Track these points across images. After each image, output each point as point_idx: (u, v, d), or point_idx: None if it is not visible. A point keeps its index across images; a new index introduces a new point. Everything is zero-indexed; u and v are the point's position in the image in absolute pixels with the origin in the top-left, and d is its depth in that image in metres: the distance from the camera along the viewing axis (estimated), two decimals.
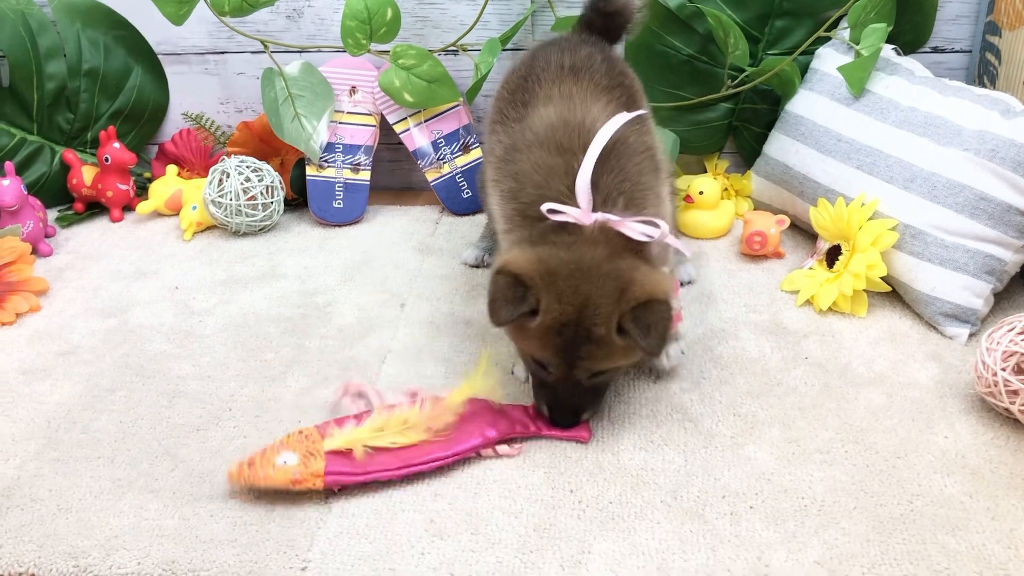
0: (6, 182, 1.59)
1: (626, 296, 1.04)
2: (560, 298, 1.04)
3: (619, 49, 1.43)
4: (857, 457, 1.10)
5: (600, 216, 1.07)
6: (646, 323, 1.03)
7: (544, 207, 1.08)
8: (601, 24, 1.41)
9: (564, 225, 1.08)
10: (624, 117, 1.14)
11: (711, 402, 1.21)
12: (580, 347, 1.06)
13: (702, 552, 0.97)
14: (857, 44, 1.54)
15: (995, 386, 1.12)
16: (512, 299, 1.04)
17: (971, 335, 1.33)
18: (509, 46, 1.71)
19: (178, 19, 1.56)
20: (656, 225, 1.08)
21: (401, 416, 1.10)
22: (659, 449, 1.12)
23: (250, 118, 1.87)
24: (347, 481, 1.05)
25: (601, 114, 1.16)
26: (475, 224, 1.74)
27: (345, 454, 1.07)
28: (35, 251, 1.63)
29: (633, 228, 1.07)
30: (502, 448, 1.12)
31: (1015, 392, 1.11)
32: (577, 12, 1.65)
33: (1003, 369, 1.11)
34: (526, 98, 1.24)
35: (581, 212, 1.08)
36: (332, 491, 1.07)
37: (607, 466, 1.10)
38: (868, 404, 1.19)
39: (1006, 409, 1.13)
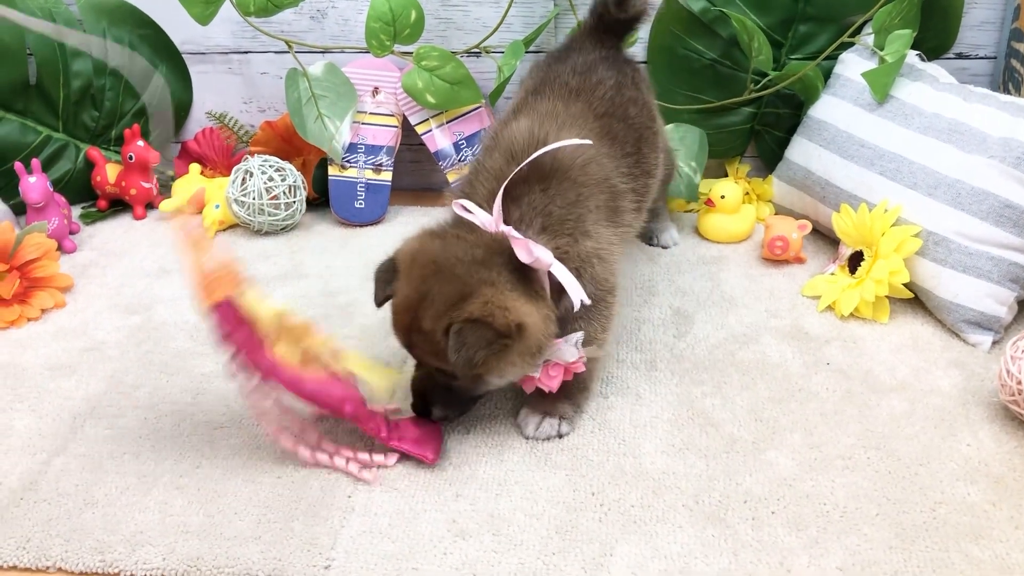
0: (32, 179, 1.61)
1: (462, 306, 1.03)
2: (409, 284, 1.07)
3: (642, 72, 1.44)
4: (879, 464, 1.10)
5: (506, 229, 1.07)
6: (462, 340, 1.00)
7: (455, 203, 1.11)
8: (613, 23, 1.41)
9: (473, 227, 1.09)
10: (570, 142, 1.12)
11: (732, 407, 1.21)
12: (412, 334, 1.07)
13: (724, 556, 0.97)
14: (881, 50, 1.53)
15: (1019, 394, 1.12)
16: (382, 281, 1.11)
17: (994, 343, 1.33)
18: (532, 48, 1.71)
19: (204, 19, 1.57)
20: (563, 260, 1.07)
21: (303, 332, 1.10)
22: (680, 453, 1.13)
23: (273, 118, 1.87)
24: (222, 328, 1.05)
25: (569, 137, 1.15)
26: None
27: (242, 316, 1.06)
28: (60, 247, 1.65)
29: (525, 249, 1.04)
30: (365, 473, 1.10)
31: None
32: None
33: None
34: (519, 106, 1.28)
35: (488, 219, 1.08)
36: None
37: (629, 470, 1.10)
38: (890, 411, 1.19)
39: None
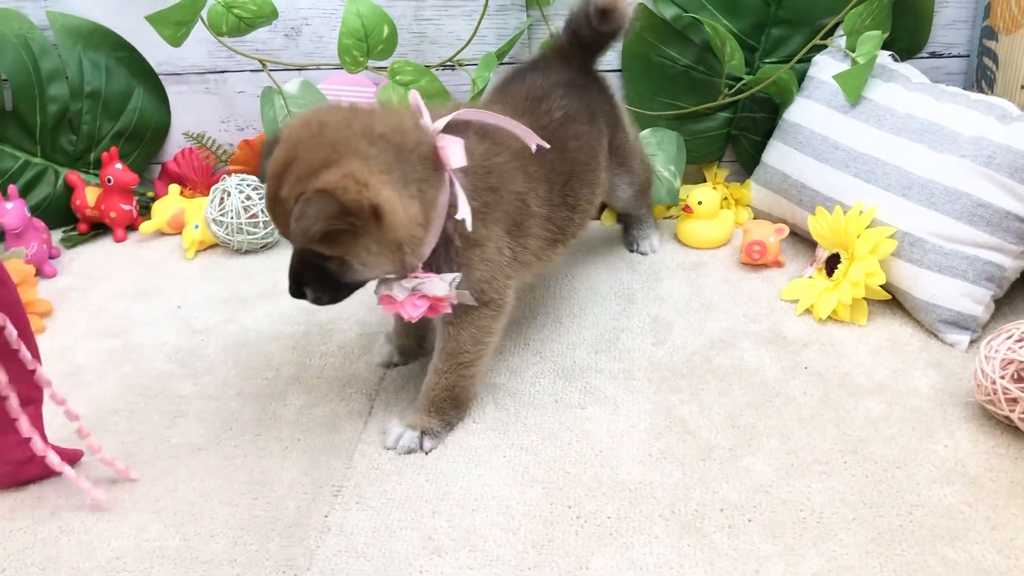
0: (9, 205, 1.61)
1: (320, 174, 0.98)
2: (283, 148, 1.03)
3: (611, 108, 1.44)
4: (856, 467, 1.10)
5: (438, 126, 1.08)
6: (304, 210, 0.96)
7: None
8: (588, 40, 1.41)
9: (402, 115, 1.08)
10: (527, 132, 1.14)
11: (710, 414, 1.21)
12: (275, 204, 1.03)
13: (700, 567, 0.97)
14: (853, 51, 1.54)
15: (994, 394, 1.12)
16: (266, 152, 1.07)
17: (972, 342, 1.33)
18: (505, 60, 1.71)
19: (176, 40, 1.57)
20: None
21: None
22: (657, 463, 1.12)
23: (251, 136, 1.88)
24: None
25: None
26: None
27: None
28: (39, 273, 1.64)
29: (452, 149, 1.05)
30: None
31: (1014, 400, 1.11)
32: None
33: (1002, 377, 1.11)
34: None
35: (429, 118, 1.08)
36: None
37: (606, 480, 1.10)
38: (867, 414, 1.19)
39: (1006, 417, 1.13)
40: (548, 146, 1.18)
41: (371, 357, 1.36)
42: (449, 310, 1.11)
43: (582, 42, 1.42)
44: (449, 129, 1.10)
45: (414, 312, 1.08)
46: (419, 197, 1.05)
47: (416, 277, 1.08)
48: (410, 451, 1.16)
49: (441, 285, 1.07)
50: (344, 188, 0.97)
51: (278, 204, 1.02)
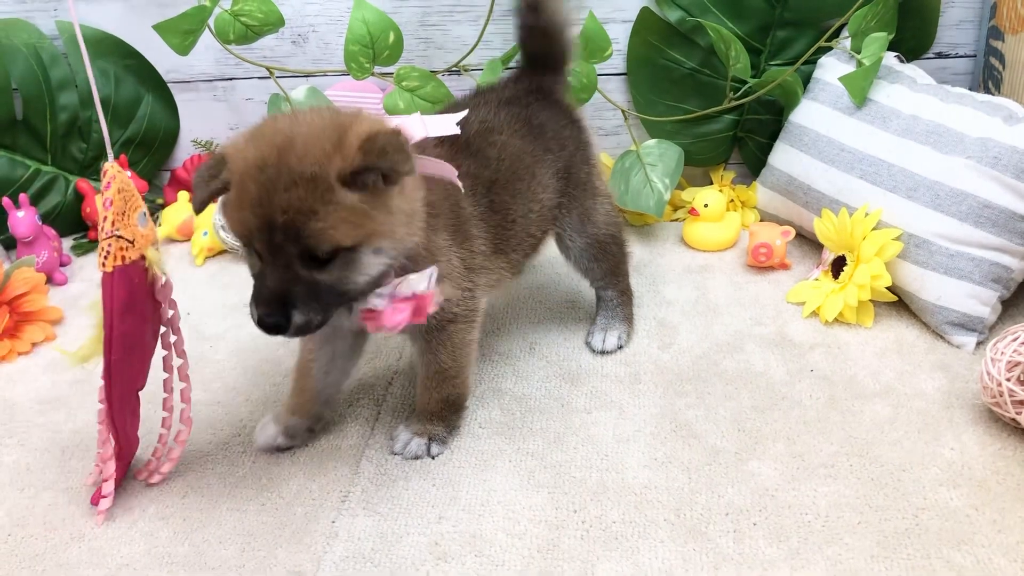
0: (20, 213, 1.62)
1: (348, 138, 0.92)
2: (257, 146, 0.93)
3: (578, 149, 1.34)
4: (862, 471, 1.10)
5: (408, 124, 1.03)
6: (382, 147, 0.90)
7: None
8: (540, 57, 1.35)
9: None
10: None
11: (716, 418, 1.21)
12: (274, 199, 0.91)
13: (705, 571, 0.97)
14: (858, 53, 1.53)
15: (1000, 396, 1.11)
16: (205, 178, 0.95)
17: (979, 343, 1.32)
18: (510, 65, 1.72)
19: (184, 49, 1.59)
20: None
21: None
22: (663, 467, 1.13)
23: None
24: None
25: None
26: None
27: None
28: (50, 280, 1.66)
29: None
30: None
31: (1021, 402, 1.10)
32: (576, 29, 1.66)
33: (1008, 379, 1.11)
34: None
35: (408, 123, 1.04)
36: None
37: (611, 485, 1.10)
38: (874, 416, 1.19)
39: (1012, 419, 1.12)
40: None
41: (254, 437, 1.22)
42: (433, 310, 1.04)
43: (527, 52, 1.36)
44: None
45: (398, 318, 1.00)
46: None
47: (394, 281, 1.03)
48: (417, 457, 1.17)
49: (420, 279, 1.01)
50: (390, 128, 0.94)
51: (290, 189, 0.90)
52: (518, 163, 1.24)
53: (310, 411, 1.21)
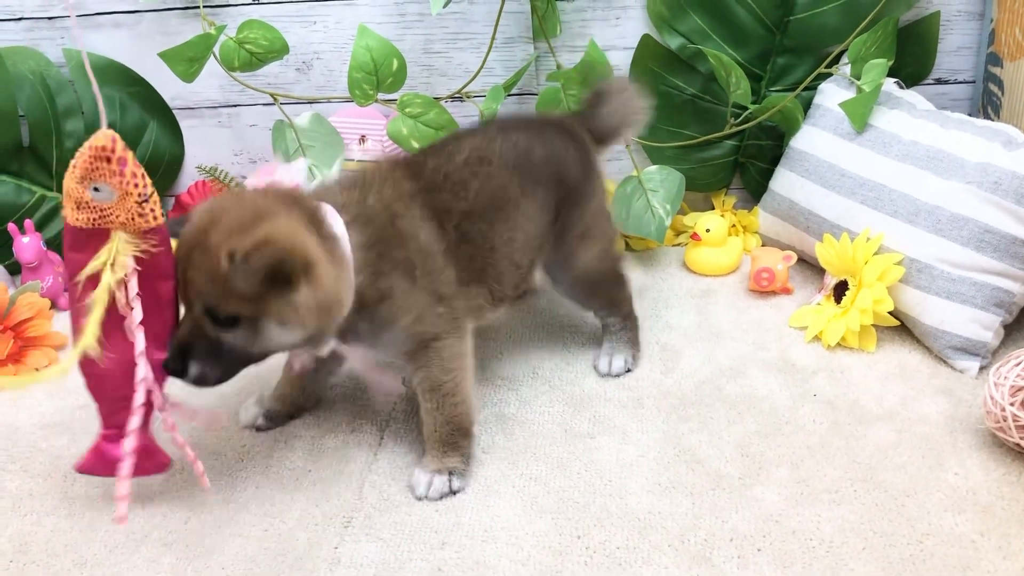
0: (26, 239, 1.63)
1: (258, 225, 0.98)
2: (198, 216, 1.02)
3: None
4: (866, 496, 1.09)
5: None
6: (246, 261, 0.95)
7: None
8: (592, 126, 1.41)
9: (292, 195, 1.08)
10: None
11: (719, 442, 1.21)
12: (190, 264, 1.00)
13: None
14: (858, 79, 1.55)
15: (1004, 421, 1.11)
16: (173, 225, 1.07)
17: (982, 368, 1.32)
18: (513, 92, 1.73)
19: (189, 76, 1.60)
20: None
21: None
22: (667, 492, 1.12)
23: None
24: None
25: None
26: None
27: None
28: (55, 305, 1.66)
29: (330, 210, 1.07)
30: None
31: None
32: (577, 57, 1.68)
33: (1011, 404, 1.10)
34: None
35: (289, 175, 1.10)
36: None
37: (615, 510, 1.10)
38: (877, 441, 1.19)
39: (1016, 444, 1.12)
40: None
41: (238, 416, 1.32)
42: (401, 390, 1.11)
43: (583, 113, 1.43)
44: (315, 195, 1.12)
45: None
46: (334, 259, 1.04)
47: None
48: (443, 496, 1.14)
49: (361, 358, 1.10)
50: (285, 238, 0.97)
51: (200, 256, 0.99)
52: (501, 192, 1.24)
53: (293, 402, 1.32)
